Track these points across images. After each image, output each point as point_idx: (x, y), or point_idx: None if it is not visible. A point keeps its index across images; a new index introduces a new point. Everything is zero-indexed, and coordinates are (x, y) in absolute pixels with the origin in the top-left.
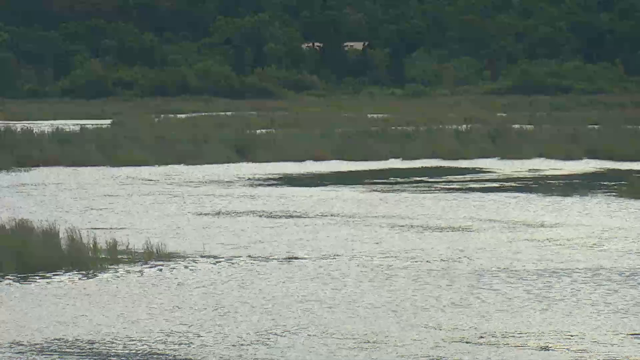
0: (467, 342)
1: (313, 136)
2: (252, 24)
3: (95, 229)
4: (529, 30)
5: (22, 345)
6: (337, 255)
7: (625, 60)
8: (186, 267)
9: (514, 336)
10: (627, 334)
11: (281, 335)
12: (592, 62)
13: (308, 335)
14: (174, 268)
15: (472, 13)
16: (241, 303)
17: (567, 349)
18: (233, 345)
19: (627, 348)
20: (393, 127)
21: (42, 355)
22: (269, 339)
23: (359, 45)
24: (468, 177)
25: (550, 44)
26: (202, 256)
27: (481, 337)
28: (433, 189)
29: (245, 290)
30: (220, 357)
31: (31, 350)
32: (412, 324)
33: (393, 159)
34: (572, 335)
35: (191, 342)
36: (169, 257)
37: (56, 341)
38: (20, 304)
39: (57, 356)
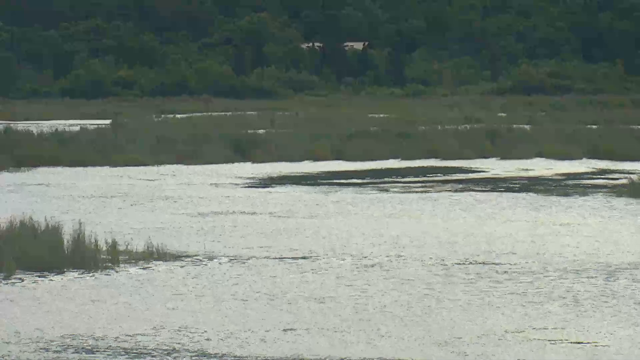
0: (469, 340)
1: (313, 136)
2: (252, 24)
3: (95, 229)
4: (529, 30)
5: (22, 344)
6: (338, 254)
7: (625, 60)
8: (187, 266)
9: (514, 333)
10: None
11: (282, 332)
12: (592, 62)
13: (305, 331)
14: (174, 267)
15: (472, 13)
16: (243, 301)
17: (567, 342)
18: (234, 343)
19: (633, 345)
20: (393, 127)
21: (43, 353)
22: (271, 335)
23: (359, 45)
24: (467, 176)
25: (550, 44)
26: (202, 256)
27: (484, 334)
28: (432, 189)
29: (247, 289)
30: (222, 354)
31: (32, 349)
32: (414, 321)
33: (393, 159)
34: (570, 332)
35: (193, 340)
36: (169, 256)
37: (57, 340)
38: (20, 303)
39: (58, 354)
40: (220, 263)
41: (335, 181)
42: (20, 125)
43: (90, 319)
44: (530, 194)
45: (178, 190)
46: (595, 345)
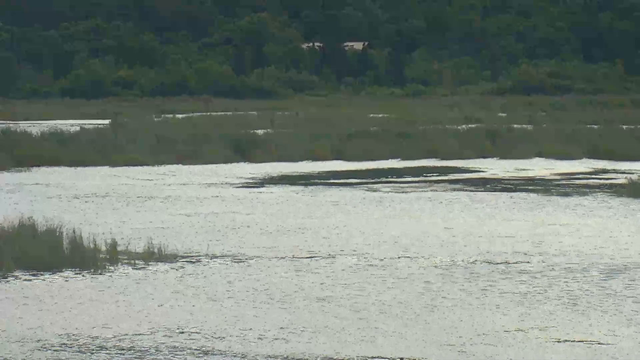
0: (468, 340)
1: (313, 136)
2: (252, 24)
3: (95, 228)
4: (529, 30)
5: (22, 344)
6: (338, 254)
7: (625, 60)
8: (186, 266)
9: (514, 333)
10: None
11: (281, 331)
12: (592, 62)
13: (304, 331)
14: (173, 267)
15: (472, 13)
16: (241, 301)
17: (567, 341)
18: (233, 342)
19: (632, 343)
20: (393, 127)
21: (43, 353)
22: (269, 335)
23: (359, 45)
24: (467, 176)
25: (550, 44)
26: (202, 255)
27: (484, 334)
28: (432, 188)
29: (246, 288)
30: (221, 354)
31: (31, 348)
32: (413, 320)
33: (393, 159)
34: (570, 332)
35: (192, 339)
36: (168, 256)
37: (56, 339)
38: (19, 303)
39: (58, 354)
40: (219, 263)
41: (335, 181)
42: (20, 125)
43: (89, 319)
44: (530, 193)
45: (178, 190)
46: (596, 345)
